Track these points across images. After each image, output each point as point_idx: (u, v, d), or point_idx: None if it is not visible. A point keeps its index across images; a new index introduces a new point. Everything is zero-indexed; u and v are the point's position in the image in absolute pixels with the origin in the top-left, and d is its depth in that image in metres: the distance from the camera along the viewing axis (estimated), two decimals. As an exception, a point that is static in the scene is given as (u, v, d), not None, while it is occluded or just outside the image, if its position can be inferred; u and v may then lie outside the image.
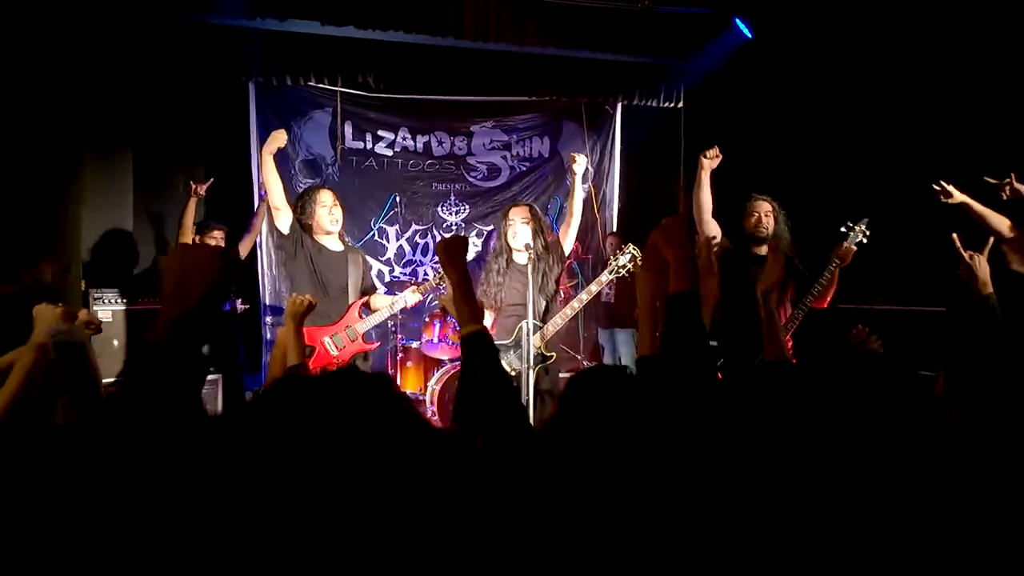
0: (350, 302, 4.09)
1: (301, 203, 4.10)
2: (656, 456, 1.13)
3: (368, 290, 4.31)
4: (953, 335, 4.88)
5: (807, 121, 6.41)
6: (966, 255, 3.24)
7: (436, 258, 7.50)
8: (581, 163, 4.19)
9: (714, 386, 1.63)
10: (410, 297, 4.22)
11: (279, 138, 3.96)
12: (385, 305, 4.24)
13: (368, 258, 7.32)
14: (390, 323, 6.01)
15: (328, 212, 4.04)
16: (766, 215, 4.10)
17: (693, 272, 1.71)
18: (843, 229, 3.98)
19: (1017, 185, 3.62)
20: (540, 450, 1.27)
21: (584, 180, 7.47)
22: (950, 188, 3.78)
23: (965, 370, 1.84)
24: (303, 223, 4.04)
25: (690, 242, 1.79)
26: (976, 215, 3.77)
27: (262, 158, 4.02)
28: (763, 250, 4.11)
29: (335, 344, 4.00)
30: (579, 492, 1.11)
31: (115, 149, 5.57)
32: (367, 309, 4.25)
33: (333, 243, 4.12)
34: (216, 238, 5.60)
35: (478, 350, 1.73)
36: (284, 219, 3.99)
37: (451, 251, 1.97)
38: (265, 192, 4.43)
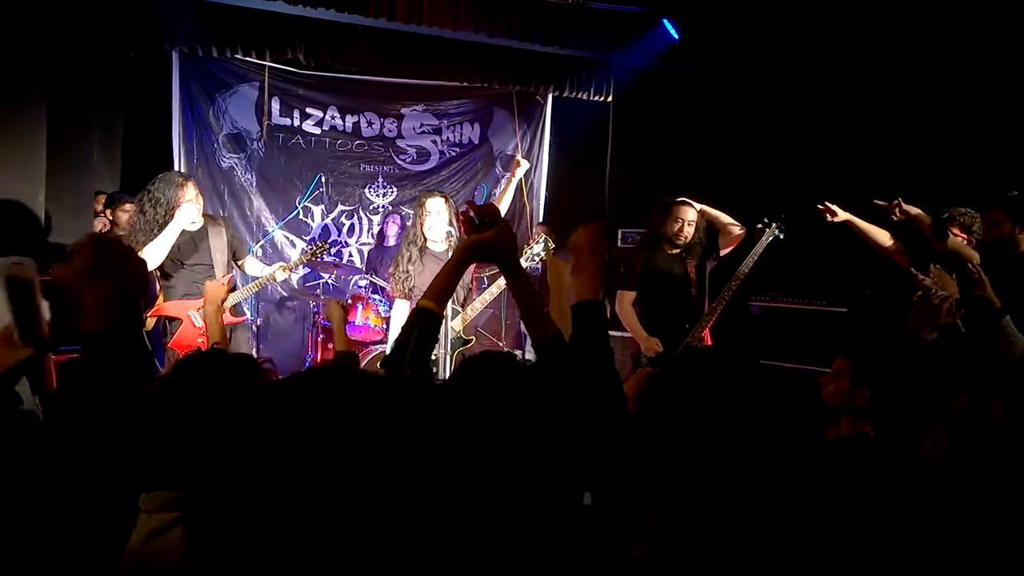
0: (217, 277, 4.10)
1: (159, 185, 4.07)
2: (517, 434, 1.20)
3: (239, 260, 4.37)
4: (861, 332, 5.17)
5: (727, 120, 6.65)
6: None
7: (360, 239, 7.47)
8: (523, 167, 4.28)
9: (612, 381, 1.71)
10: (278, 274, 4.29)
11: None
12: (253, 275, 4.34)
13: (292, 237, 7.27)
14: (311, 303, 5.97)
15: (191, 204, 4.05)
16: (689, 224, 4.20)
17: (600, 280, 1.76)
18: (759, 225, 4.17)
19: (905, 207, 3.88)
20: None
21: (508, 168, 7.62)
22: (834, 207, 4.04)
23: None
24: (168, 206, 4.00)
25: (606, 248, 1.86)
26: (859, 231, 4.07)
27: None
28: (677, 249, 4.25)
29: (201, 317, 4.04)
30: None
31: (28, 112, 5.31)
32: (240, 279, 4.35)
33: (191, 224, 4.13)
34: (128, 211, 5.48)
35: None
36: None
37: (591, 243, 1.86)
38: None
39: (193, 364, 1.51)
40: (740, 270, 4.11)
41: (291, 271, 4.46)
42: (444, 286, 1.79)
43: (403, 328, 1.75)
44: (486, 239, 1.75)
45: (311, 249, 4.69)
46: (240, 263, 4.39)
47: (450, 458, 1.16)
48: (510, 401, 1.22)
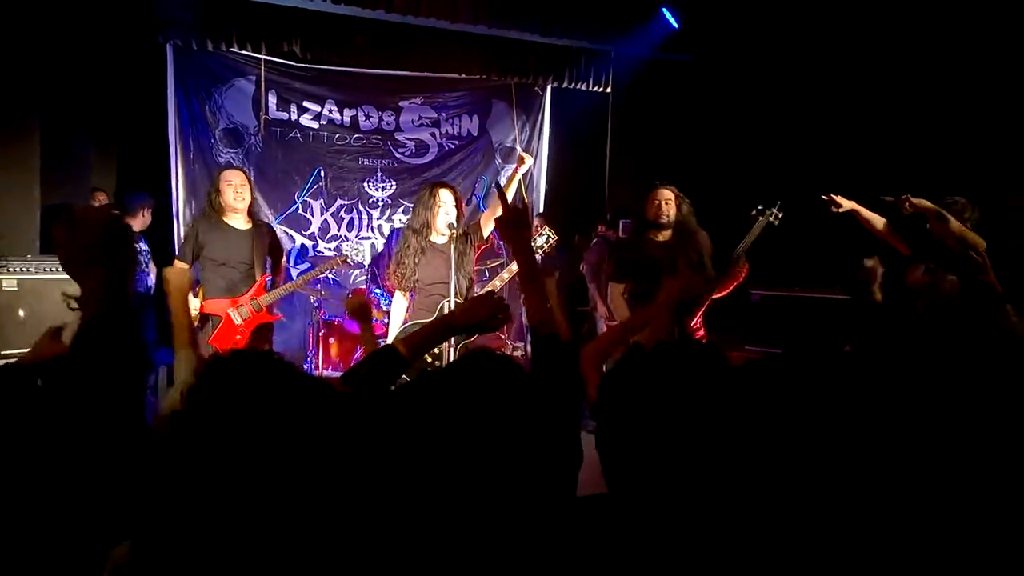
0: (256, 278, 4.25)
1: (214, 182, 4.27)
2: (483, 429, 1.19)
3: (277, 263, 4.51)
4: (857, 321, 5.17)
5: (727, 111, 6.62)
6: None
7: (360, 233, 7.44)
8: (528, 163, 4.25)
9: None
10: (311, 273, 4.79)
11: None
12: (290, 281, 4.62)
13: (291, 232, 7.23)
14: (312, 298, 5.94)
15: (234, 191, 4.17)
16: (666, 203, 4.22)
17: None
18: (754, 212, 4.15)
19: (915, 200, 3.86)
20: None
21: (508, 160, 7.61)
22: (837, 199, 4.03)
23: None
24: (213, 202, 4.20)
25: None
26: (862, 220, 4.08)
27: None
28: (665, 235, 4.24)
29: (240, 315, 4.17)
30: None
31: (21, 111, 5.27)
32: (274, 283, 4.47)
33: (239, 222, 4.25)
34: (99, 200, 5.66)
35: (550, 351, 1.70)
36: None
37: (512, 225, 1.88)
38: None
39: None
40: (733, 257, 4.09)
41: (315, 278, 4.86)
42: (421, 343, 1.84)
43: (369, 354, 1.82)
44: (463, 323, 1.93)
45: (338, 258, 4.95)
46: (276, 270, 4.51)
47: (429, 458, 1.15)
48: (492, 401, 1.21)
